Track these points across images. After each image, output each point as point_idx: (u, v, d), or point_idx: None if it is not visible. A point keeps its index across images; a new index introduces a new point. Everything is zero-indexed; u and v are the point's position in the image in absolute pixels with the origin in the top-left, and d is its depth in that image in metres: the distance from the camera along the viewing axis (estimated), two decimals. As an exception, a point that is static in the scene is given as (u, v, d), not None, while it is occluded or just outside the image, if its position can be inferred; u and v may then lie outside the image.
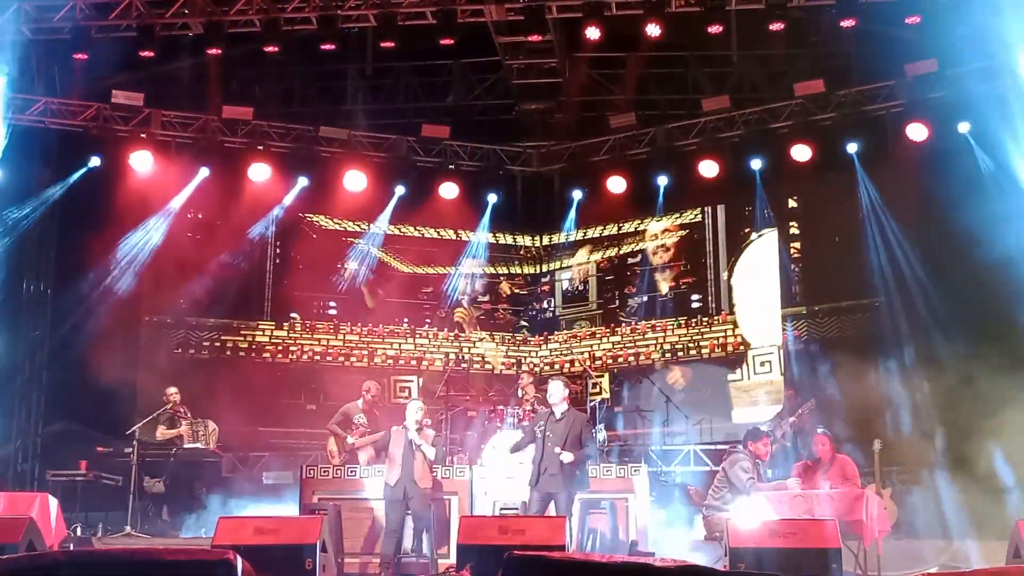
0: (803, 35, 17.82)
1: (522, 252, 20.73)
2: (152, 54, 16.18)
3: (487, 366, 20.11)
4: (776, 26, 15.93)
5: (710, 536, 12.16)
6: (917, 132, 16.36)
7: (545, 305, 20.71)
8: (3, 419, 16.54)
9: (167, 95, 18.18)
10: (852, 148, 17.08)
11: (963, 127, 15.98)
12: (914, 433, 15.09)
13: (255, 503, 15.23)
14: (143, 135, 17.85)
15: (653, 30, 16.05)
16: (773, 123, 17.86)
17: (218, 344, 19.01)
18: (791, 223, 18.68)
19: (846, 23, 15.69)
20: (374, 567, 12.63)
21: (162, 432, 15.60)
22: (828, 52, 17.96)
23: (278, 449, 17.69)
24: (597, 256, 20.35)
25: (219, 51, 16.36)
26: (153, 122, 17.96)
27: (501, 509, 13.21)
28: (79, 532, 13.83)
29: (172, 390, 15.84)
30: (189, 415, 15.82)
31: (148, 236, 17.83)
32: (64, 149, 17.72)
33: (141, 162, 17.70)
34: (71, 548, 11.99)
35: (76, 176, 17.54)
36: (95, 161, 17.64)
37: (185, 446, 15.52)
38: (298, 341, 19.38)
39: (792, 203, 18.75)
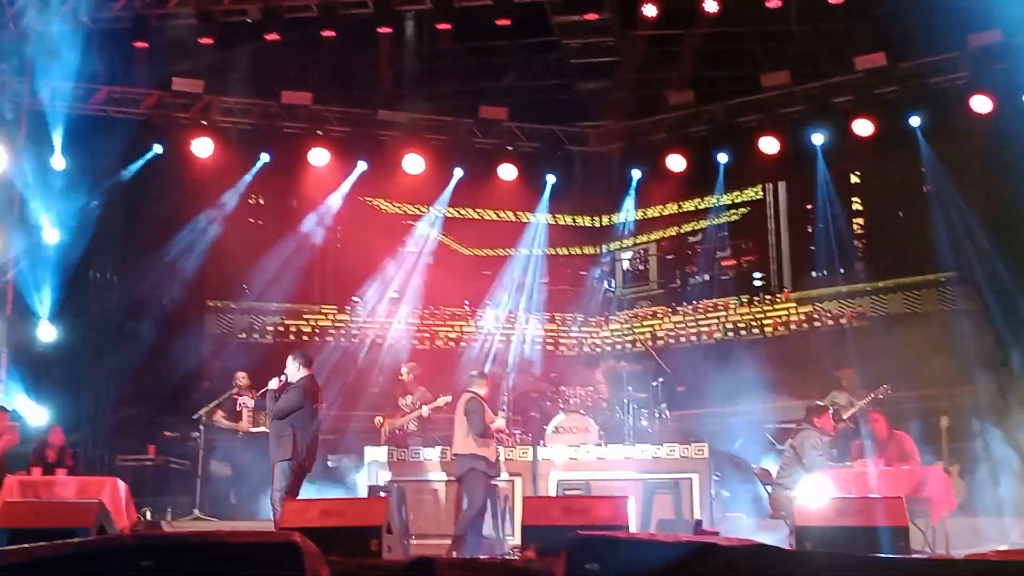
0: (863, 7, 17.53)
1: (581, 232, 20.67)
2: (211, 41, 16.32)
3: (548, 347, 20.10)
4: (836, -2, 15.74)
5: (776, 515, 12.12)
6: (981, 104, 16.06)
7: (606, 285, 20.64)
8: (72, 405, 16.73)
9: (226, 82, 18.32)
10: (915, 121, 16.82)
11: (1029, 98, 15.69)
12: (981, 408, 14.85)
13: (320, 486, 15.34)
14: (203, 122, 18.02)
15: (710, 6, 16.00)
16: (834, 98, 17.60)
17: (281, 328, 19.21)
18: (854, 199, 18.49)
19: (908, -6, 15.49)
20: (440, 548, 12.66)
21: (219, 417, 15.66)
22: (889, 24, 17.64)
23: (343, 432, 17.76)
24: (657, 235, 20.23)
25: (277, 37, 16.44)
26: (213, 109, 18.13)
27: (564, 490, 13.21)
28: (148, 516, 13.99)
29: (241, 375, 15.93)
30: (252, 402, 15.87)
31: (210, 222, 18.01)
32: (127, 137, 17.87)
33: (202, 148, 17.87)
34: (141, 532, 12.15)
35: (139, 163, 17.74)
36: (157, 148, 17.85)
37: (250, 430, 15.63)
38: (360, 325, 19.48)
39: (855, 178, 18.56)
